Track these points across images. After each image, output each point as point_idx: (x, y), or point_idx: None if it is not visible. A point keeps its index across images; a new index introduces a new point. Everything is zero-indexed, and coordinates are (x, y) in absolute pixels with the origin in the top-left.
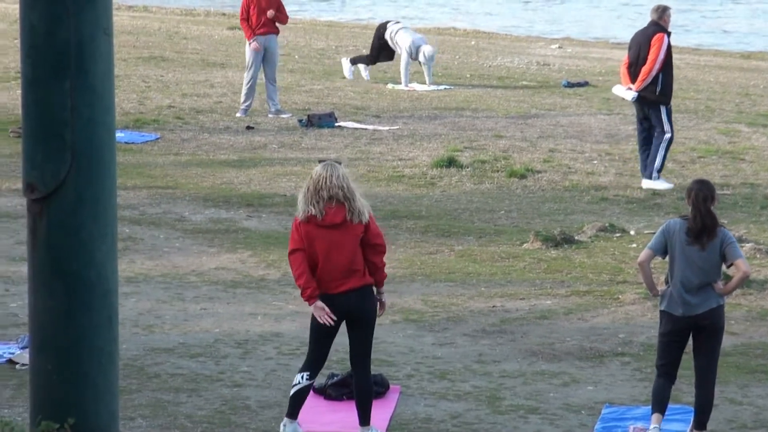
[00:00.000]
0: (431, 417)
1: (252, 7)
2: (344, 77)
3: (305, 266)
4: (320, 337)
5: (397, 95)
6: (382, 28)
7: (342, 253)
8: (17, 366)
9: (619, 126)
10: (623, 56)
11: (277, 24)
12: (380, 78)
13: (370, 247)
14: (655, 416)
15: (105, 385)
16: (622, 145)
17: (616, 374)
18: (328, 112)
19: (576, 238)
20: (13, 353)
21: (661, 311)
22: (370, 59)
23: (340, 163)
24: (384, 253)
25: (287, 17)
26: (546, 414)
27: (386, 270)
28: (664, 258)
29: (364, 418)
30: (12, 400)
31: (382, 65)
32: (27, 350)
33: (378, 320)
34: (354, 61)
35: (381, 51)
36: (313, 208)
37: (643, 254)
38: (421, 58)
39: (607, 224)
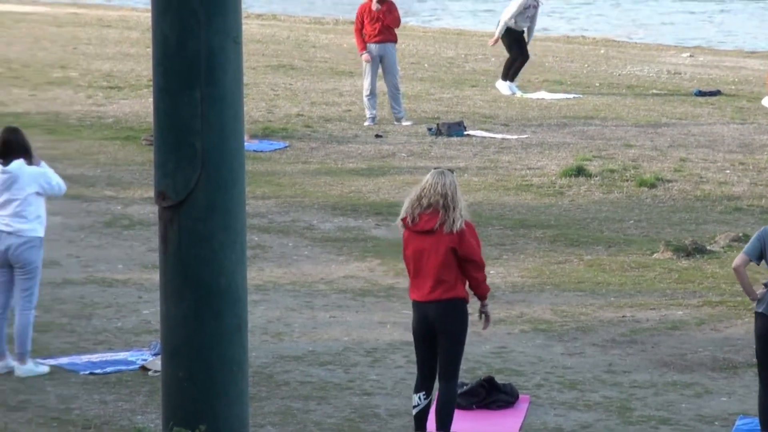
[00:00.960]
0: (561, 427)
1: (366, 16)
2: (504, 94)
3: None
4: (417, 342)
5: (526, 104)
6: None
7: (430, 260)
8: (150, 372)
9: (753, 135)
10: (758, 65)
11: (395, 31)
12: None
13: (468, 263)
14: None
15: (235, 393)
16: (757, 154)
17: (751, 385)
18: (457, 121)
19: (708, 248)
20: (146, 360)
21: (757, 313)
22: (510, 64)
23: (452, 172)
24: (482, 268)
25: (398, 21)
26: (678, 425)
27: (515, 278)
28: (758, 263)
29: (440, 426)
30: (145, 406)
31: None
32: (159, 357)
33: (507, 329)
34: (505, 77)
35: (511, 42)
36: (408, 213)
37: (738, 259)
38: None
39: (740, 234)
